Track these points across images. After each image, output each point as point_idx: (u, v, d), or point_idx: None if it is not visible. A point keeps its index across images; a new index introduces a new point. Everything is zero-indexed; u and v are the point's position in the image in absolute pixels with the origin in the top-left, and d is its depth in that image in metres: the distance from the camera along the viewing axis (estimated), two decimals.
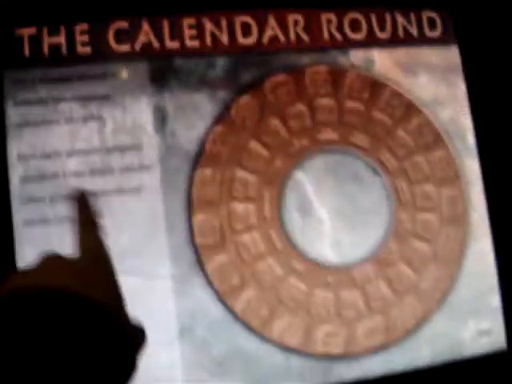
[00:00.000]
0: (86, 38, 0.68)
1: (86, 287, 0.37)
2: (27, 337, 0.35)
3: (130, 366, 0.37)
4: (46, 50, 0.67)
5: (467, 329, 0.74)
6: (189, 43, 0.70)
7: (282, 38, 0.73)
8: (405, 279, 0.73)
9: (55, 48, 0.67)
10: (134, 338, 0.39)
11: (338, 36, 0.74)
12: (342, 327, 0.71)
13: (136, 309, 0.62)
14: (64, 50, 0.68)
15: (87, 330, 0.36)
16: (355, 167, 0.72)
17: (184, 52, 0.70)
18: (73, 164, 0.66)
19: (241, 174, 0.69)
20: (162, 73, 0.70)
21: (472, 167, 0.76)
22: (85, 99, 0.68)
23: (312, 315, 0.70)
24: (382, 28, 0.75)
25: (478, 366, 0.74)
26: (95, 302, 0.36)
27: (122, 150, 0.68)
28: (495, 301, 0.75)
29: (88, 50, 0.68)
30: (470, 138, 0.76)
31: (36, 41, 0.67)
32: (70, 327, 0.36)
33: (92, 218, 0.44)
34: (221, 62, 0.71)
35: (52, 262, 0.41)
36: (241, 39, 0.71)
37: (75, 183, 0.64)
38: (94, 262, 0.41)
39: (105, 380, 0.35)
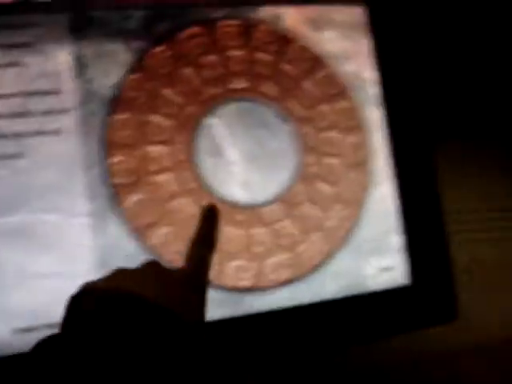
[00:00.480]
0: None
1: (170, 300, 0.38)
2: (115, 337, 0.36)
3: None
4: None
5: (370, 266, 0.80)
6: None
7: None
8: (311, 218, 0.78)
9: None
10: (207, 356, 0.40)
11: None
12: (251, 262, 0.76)
13: (56, 244, 0.66)
14: None
15: (160, 338, 0.37)
16: (264, 114, 0.78)
17: (102, 4, 0.74)
18: None
19: (155, 118, 0.74)
20: (82, 23, 0.74)
21: (374, 116, 0.82)
22: (7, 47, 0.71)
23: (223, 251, 0.75)
24: None
25: (381, 300, 0.80)
26: (176, 314, 0.37)
27: (42, 94, 0.71)
28: (396, 240, 0.81)
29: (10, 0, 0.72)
30: (372, 90, 0.82)
31: None
32: (144, 333, 0.37)
33: (211, 235, 0.44)
34: (137, 14, 0.75)
35: (152, 271, 0.43)
36: None
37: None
38: (194, 277, 0.42)
39: None
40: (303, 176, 0.79)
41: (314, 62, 0.81)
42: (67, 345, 0.36)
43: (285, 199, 0.78)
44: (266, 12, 0.80)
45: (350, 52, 0.83)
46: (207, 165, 0.76)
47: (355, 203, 0.80)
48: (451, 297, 0.82)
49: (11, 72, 0.72)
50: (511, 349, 0.83)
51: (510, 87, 0.91)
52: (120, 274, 0.42)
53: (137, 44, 0.75)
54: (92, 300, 0.38)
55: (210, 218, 0.45)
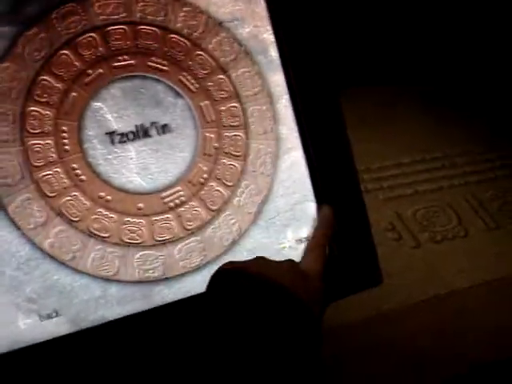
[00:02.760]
0: None
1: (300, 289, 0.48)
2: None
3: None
4: None
5: (286, 238, 0.77)
6: None
7: None
8: (218, 197, 0.75)
9: None
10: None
11: None
12: (158, 251, 0.72)
13: None
14: None
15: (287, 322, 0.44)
16: (155, 91, 0.73)
17: None
18: None
19: (35, 108, 0.68)
20: None
21: (277, 80, 0.78)
22: None
23: (126, 243, 0.70)
24: None
25: None
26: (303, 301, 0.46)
27: None
28: (311, 208, 0.78)
29: None
30: (273, 53, 0.78)
31: None
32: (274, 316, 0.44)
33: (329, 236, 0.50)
34: None
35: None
36: None
37: None
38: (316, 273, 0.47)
39: None
40: (205, 153, 0.74)
41: (205, 29, 0.75)
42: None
43: (188, 180, 0.74)
44: None
45: (244, 14, 0.77)
46: (98, 153, 0.71)
47: (264, 175, 0.76)
48: (374, 260, 0.80)
49: None
50: (436, 305, 0.82)
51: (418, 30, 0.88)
52: (261, 261, 0.52)
53: (5, 30, 0.68)
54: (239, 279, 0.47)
55: (327, 219, 0.52)
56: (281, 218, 0.77)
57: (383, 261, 0.80)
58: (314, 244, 0.59)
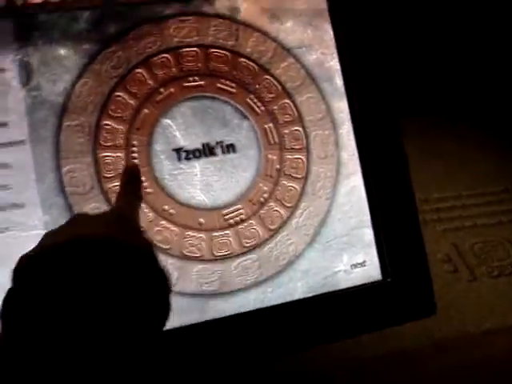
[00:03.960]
0: None
1: (124, 235, 0.43)
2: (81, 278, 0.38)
3: (166, 306, 0.41)
4: None
5: (342, 262, 0.79)
6: None
7: None
8: (277, 217, 0.77)
9: None
10: (167, 279, 0.44)
11: None
12: (215, 266, 0.75)
13: (13, 257, 0.66)
14: None
15: (128, 272, 0.39)
16: (223, 112, 0.77)
17: (47, 7, 0.73)
18: None
19: (108, 123, 0.73)
20: (26, 29, 0.72)
21: (340, 107, 0.80)
22: None
23: (186, 256, 0.74)
24: None
25: (354, 297, 0.79)
26: (135, 246, 0.40)
27: None
28: (368, 234, 0.80)
29: None
30: (338, 80, 0.81)
31: None
32: (113, 269, 0.39)
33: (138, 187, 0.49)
34: (84, 15, 0.74)
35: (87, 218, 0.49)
36: None
37: None
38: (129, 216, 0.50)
39: (146, 318, 0.39)
40: (266, 174, 0.77)
41: (274, 54, 0.79)
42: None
43: (248, 199, 0.76)
44: (221, 4, 0.78)
45: (312, 41, 0.80)
46: (165, 168, 0.74)
47: (323, 199, 0.78)
48: (428, 291, 0.80)
49: None
50: (490, 340, 0.81)
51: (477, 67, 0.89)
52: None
53: (85, 46, 0.73)
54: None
55: (133, 175, 0.51)
56: (337, 241, 0.79)
57: (438, 292, 0.80)
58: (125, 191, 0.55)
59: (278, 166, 0.78)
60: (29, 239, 0.69)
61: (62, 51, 0.74)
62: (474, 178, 0.94)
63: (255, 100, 0.78)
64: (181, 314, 0.73)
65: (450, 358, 0.80)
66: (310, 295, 0.77)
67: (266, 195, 0.77)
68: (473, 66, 0.94)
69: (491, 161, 0.96)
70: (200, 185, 0.75)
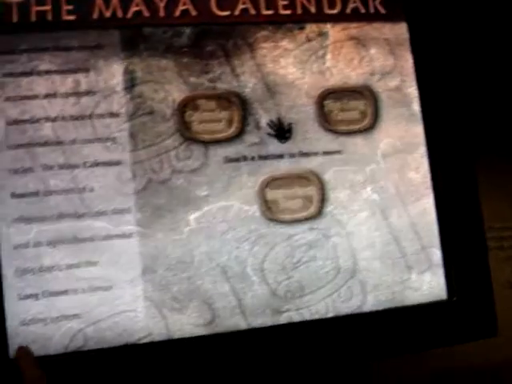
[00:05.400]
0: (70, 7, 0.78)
1: None
2: None
3: None
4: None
5: (410, 279, 0.83)
6: (159, 13, 0.80)
7: (252, 11, 0.82)
8: None
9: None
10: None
11: (296, 10, 0.84)
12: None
13: (104, 250, 0.72)
14: (49, 16, 0.78)
15: None
16: None
17: (154, 22, 0.80)
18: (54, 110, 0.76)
19: None
20: (133, 40, 0.80)
21: (417, 131, 0.86)
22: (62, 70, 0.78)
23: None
24: (332, 4, 0.85)
25: (420, 315, 0.83)
26: None
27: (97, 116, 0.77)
28: (437, 254, 0.84)
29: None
30: (416, 106, 0.86)
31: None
32: None
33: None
34: (187, 31, 0.81)
35: None
36: (213, 10, 0.81)
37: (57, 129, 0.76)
38: None
39: None
40: None
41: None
42: None
43: None
44: (310, 29, 0.84)
45: (393, 68, 0.86)
46: None
47: (394, 217, 0.83)
48: (491, 313, 0.84)
49: (67, 84, 0.77)
50: None
51: None
52: None
53: (186, 60, 0.80)
54: None
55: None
56: (406, 259, 0.83)
57: (500, 316, 0.84)
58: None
59: None
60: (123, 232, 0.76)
61: (165, 63, 0.80)
62: None
63: None
64: (256, 316, 0.77)
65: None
66: (379, 309, 0.81)
67: None
68: None
69: None
70: None
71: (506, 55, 0.96)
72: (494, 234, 0.95)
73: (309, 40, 0.85)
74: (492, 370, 0.87)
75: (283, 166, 0.81)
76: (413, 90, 0.87)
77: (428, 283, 0.84)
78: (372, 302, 0.82)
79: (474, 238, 0.86)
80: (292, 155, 0.82)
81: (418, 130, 0.87)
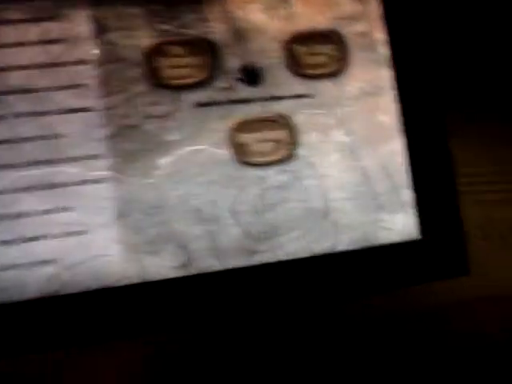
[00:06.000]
0: None
1: None
2: None
3: None
4: None
5: (381, 220, 0.85)
6: None
7: None
8: None
9: None
10: None
11: None
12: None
13: (77, 196, 0.73)
14: None
15: None
16: None
17: None
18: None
19: None
20: None
21: (385, 76, 0.87)
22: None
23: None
24: None
25: (392, 254, 0.85)
26: None
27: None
28: (407, 195, 0.86)
29: None
30: (383, 50, 0.87)
31: None
32: None
33: None
34: None
35: None
36: None
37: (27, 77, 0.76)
38: None
39: None
40: None
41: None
42: None
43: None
44: None
45: (361, 13, 0.87)
46: None
47: (363, 158, 0.85)
48: (463, 252, 0.86)
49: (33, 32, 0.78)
50: None
51: None
52: None
53: (155, 7, 0.81)
54: None
55: None
56: (377, 200, 0.85)
57: (471, 257, 0.86)
58: None
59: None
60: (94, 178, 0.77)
61: (133, 9, 0.81)
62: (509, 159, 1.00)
63: None
64: (230, 257, 0.79)
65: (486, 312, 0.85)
66: (351, 249, 0.83)
67: None
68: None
69: None
70: None
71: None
72: (465, 179, 0.97)
73: None
74: (464, 307, 0.89)
75: (254, 110, 0.82)
76: (381, 35, 0.88)
77: (400, 223, 0.85)
78: (345, 241, 0.83)
79: (444, 179, 0.88)
80: (262, 99, 0.83)
81: (387, 73, 0.87)
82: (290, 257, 0.82)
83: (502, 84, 1.00)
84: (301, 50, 0.86)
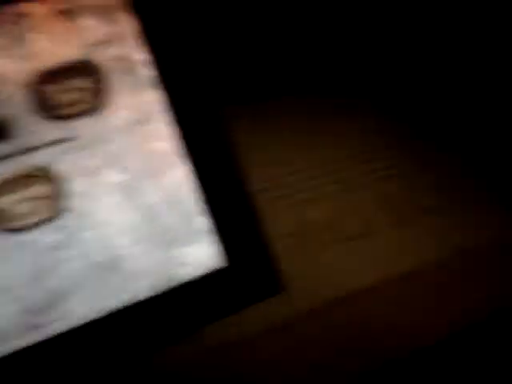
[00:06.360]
0: None
1: None
2: None
3: None
4: None
5: (177, 256, 0.77)
6: None
7: None
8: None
9: None
10: None
11: None
12: None
13: None
14: None
15: None
16: None
17: None
18: None
19: None
20: None
21: (152, 99, 0.79)
22: None
23: None
24: None
25: (197, 288, 0.77)
26: None
27: None
28: (202, 224, 0.78)
29: None
30: (147, 72, 0.79)
31: None
32: None
33: None
34: None
35: None
36: None
37: None
38: None
39: None
40: None
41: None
42: None
43: None
44: (9, 11, 0.75)
45: (113, 36, 0.78)
46: None
47: (146, 194, 0.76)
48: (271, 271, 0.80)
49: None
50: (344, 309, 0.82)
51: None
52: None
53: None
54: None
55: None
56: (170, 235, 0.77)
57: (287, 266, 0.80)
58: None
59: None
60: None
61: None
62: (323, 152, 0.95)
63: None
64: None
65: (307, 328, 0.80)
66: (154, 294, 0.75)
67: None
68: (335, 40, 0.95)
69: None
70: None
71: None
72: (272, 183, 0.91)
73: (8, 22, 0.75)
74: (286, 324, 0.83)
75: (7, 169, 0.72)
76: (141, 56, 0.80)
77: (200, 254, 0.78)
78: (145, 288, 0.75)
79: (239, 198, 0.81)
80: (13, 155, 0.72)
81: (154, 96, 0.79)
82: (83, 321, 0.73)
83: (281, 92, 0.95)
84: (49, 89, 0.76)
